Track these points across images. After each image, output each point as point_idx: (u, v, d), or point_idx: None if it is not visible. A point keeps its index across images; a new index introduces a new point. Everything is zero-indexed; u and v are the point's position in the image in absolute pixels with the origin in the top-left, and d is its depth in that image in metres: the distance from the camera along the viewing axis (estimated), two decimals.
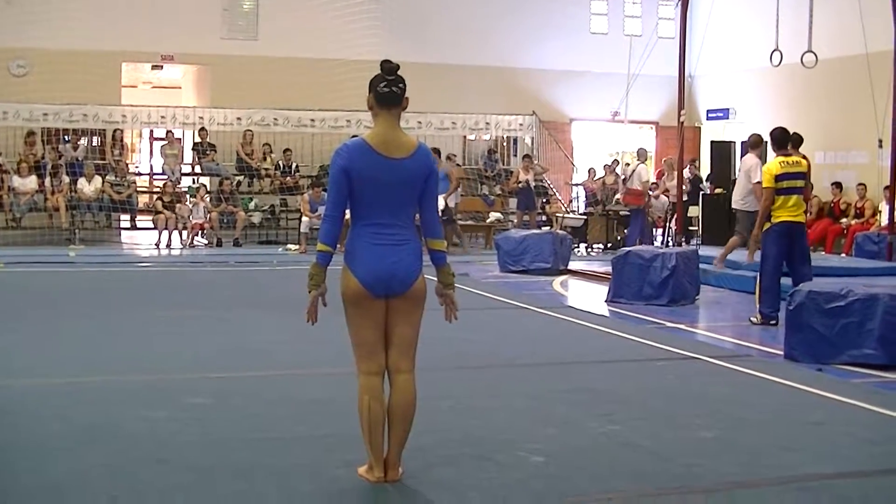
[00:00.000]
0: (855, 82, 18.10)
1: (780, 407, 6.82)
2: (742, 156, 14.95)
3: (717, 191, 19.73)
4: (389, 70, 4.82)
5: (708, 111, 24.73)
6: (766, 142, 12.01)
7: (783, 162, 10.54)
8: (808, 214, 14.44)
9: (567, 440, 5.79)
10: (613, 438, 5.85)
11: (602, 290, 12.98)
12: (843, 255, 17.39)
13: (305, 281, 4.78)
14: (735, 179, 18.10)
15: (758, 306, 10.72)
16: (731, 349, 9.25)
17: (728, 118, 23.90)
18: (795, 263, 10.63)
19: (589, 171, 22.89)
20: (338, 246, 4.81)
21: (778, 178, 10.41)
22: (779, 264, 10.58)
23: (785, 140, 10.83)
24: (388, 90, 4.80)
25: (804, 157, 11.80)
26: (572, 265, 16.29)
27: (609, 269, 12.87)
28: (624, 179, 19.85)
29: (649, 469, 5.26)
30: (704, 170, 22.43)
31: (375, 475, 4.85)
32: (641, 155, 19.55)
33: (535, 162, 21.30)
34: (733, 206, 14.07)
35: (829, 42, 18.38)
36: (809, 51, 16.99)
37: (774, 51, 17.16)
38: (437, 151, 19.35)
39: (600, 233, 20.65)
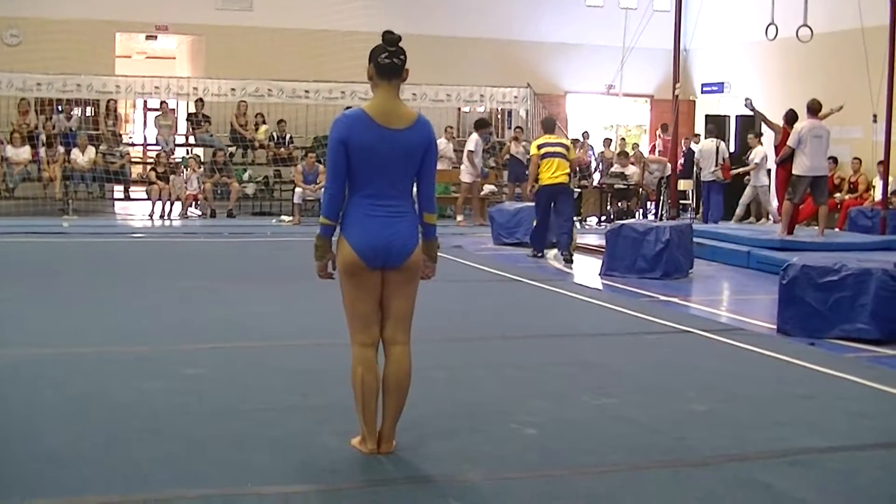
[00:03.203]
0: (850, 57, 18.04)
1: (773, 381, 6.84)
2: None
3: None
4: (391, 41, 4.77)
5: (703, 85, 24.65)
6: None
7: (546, 139, 13.79)
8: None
9: (560, 413, 5.80)
10: (606, 411, 5.87)
11: (595, 263, 13.00)
12: (837, 229, 17.40)
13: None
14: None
15: (531, 245, 14.15)
16: (723, 323, 9.27)
17: (723, 92, 23.81)
18: (556, 216, 13.80)
19: (573, 143, 22.73)
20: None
21: (540, 146, 13.64)
22: (546, 216, 13.81)
23: (552, 126, 14.39)
24: (389, 61, 4.76)
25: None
26: None
27: (603, 242, 12.87)
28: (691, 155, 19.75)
29: (642, 442, 5.28)
30: None
31: (368, 447, 4.86)
32: (712, 132, 19.44)
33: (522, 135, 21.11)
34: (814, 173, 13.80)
35: (825, 16, 18.31)
36: (805, 25, 16.95)
37: (770, 24, 17.11)
38: (484, 122, 19.58)
39: (594, 206, 20.67)
